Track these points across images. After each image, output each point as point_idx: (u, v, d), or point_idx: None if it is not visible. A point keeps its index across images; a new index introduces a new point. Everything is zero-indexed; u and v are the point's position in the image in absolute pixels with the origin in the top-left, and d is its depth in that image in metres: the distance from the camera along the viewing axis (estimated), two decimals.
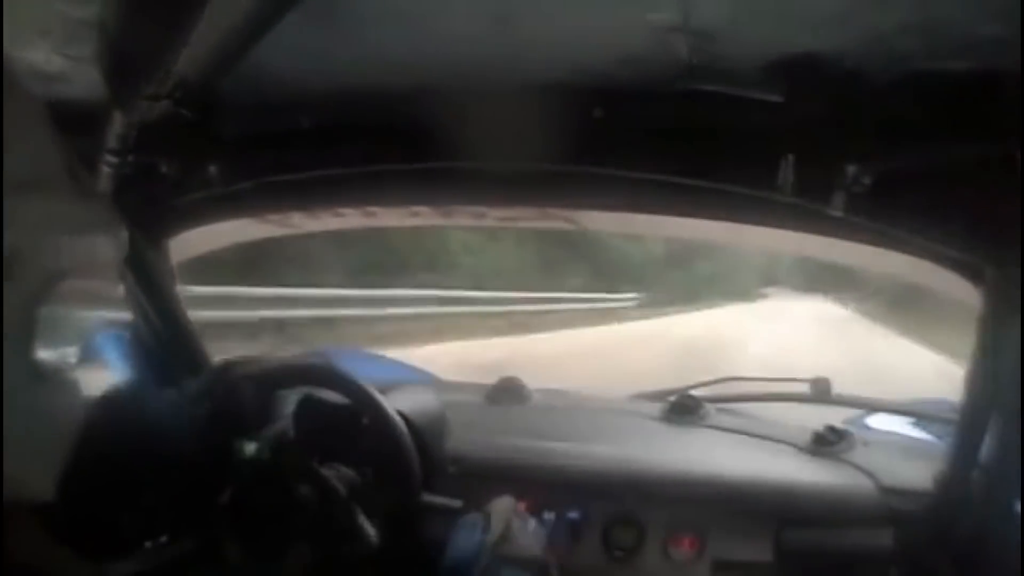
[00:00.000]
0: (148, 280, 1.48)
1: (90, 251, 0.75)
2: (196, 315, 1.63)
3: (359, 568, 1.27)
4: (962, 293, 1.19)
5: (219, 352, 1.66)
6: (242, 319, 6.34)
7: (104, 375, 1.54)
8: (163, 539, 1.23)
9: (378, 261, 10.08)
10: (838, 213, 1.10)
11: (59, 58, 0.97)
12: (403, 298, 9.78)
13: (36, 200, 0.64)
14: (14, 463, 0.61)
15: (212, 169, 1.33)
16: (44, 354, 0.67)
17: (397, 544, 1.27)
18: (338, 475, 1.24)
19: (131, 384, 1.53)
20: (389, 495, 1.28)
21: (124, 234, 0.83)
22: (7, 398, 0.61)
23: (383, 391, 1.40)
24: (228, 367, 1.36)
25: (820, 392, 1.70)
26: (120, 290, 0.88)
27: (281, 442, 1.29)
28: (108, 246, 0.79)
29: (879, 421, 1.82)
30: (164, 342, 1.54)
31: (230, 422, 1.29)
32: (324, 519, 1.21)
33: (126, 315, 1.55)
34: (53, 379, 0.68)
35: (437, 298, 10.46)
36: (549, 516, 1.39)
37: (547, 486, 1.42)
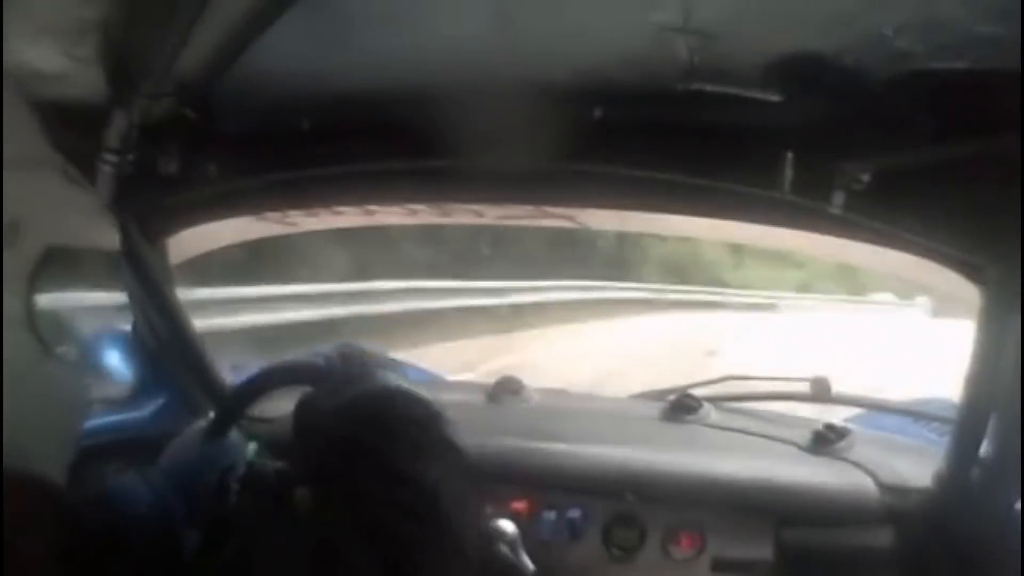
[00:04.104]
0: (147, 279, 1.48)
1: (83, 233, 0.78)
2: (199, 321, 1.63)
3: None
4: (962, 292, 1.19)
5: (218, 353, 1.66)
6: (238, 324, 6.19)
7: (104, 374, 1.55)
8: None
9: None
10: (838, 211, 1.10)
11: (59, 58, 0.98)
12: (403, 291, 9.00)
13: (30, 176, 0.66)
14: (16, 431, 0.62)
15: (212, 168, 1.32)
16: (48, 327, 0.70)
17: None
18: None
19: (139, 388, 1.54)
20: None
21: (116, 224, 0.85)
22: (8, 366, 0.62)
23: None
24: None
25: (820, 391, 1.70)
26: (114, 276, 0.93)
27: (280, 443, 1.29)
28: (100, 232, 0.82)
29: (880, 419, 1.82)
30: (163, 341, 1.54)
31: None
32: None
33: (125, 314, 1.55)
34: (55, 353, 0.70)
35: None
36: (549, 515, 1.39)
37: (547, 485, 1.42)
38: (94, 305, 2.61)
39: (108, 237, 0.84)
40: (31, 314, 0.68)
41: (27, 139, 0.69)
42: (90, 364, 1.50)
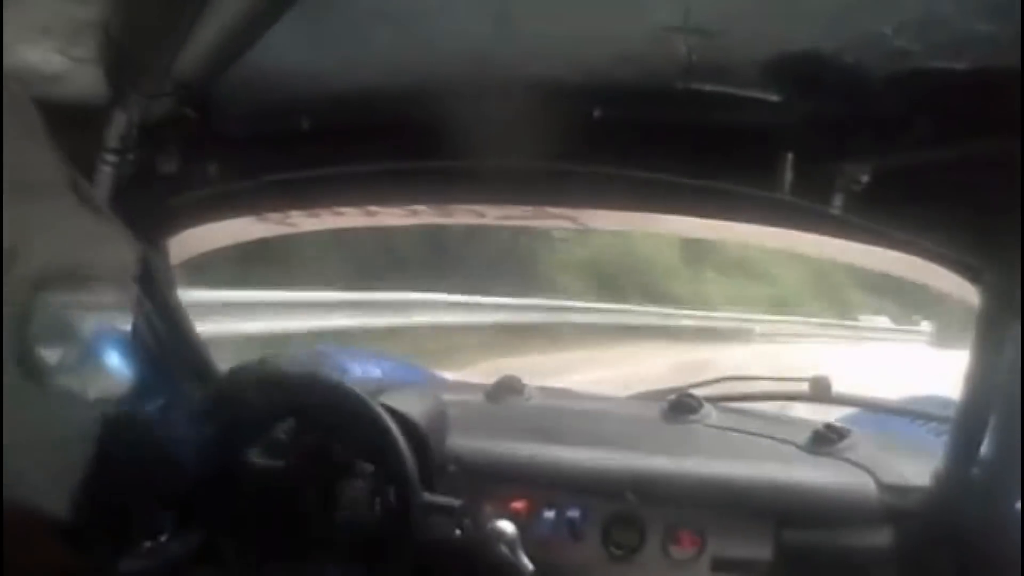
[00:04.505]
0: (147, 279, 1.48)
1: (92, 259, 0.74)
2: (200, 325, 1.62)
3: (362, 569, 1.27)
4: (962, 292, 1.19)
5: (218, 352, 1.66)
6: (241, 331, 6.03)
7: (104, 375, 1.55)
8: (163, 538, 1.24)
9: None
10: (837, 212, 1.10)
11: (59, 58, 0.97)
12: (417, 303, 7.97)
13: (31, 202, 0.63)
14: (11, 464, 0.60)
15: (212, 168, 1.32)
16: (44, 355, 0.66)
17: (396, 543, 1.27)
18: (337, 476, 1.24)
19: (139, 389, 1.54)
20: (388, 495, 1.28)
21: (134, 249, 0.81)
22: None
23: (383, 390, 1.41)
24: (229, 377, 1.36)
25: (820, 391, 1.70)
26: (125, 302, 0.85)
27: (282, 444, 1.29)
28: (113, 257, 0.78)
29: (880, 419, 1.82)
30: (163, 341, 1.54)
31: (234, 428, 1.29)
32: (327, 520, 1.22)
33: (126, 314, 1.55)
34: (53, 380, 0.67)
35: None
36: (549, 514, 1.39)
37: (547, 485, 1.42)
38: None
39: (120, 262, 0.80)
40: (25, 344, 0.64)
41: (35, 162, 0.67)
42: (90, 364, 1.50)
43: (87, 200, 0.72)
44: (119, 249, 0.79)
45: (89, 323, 0.76)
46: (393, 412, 1.34)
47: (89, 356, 0.78)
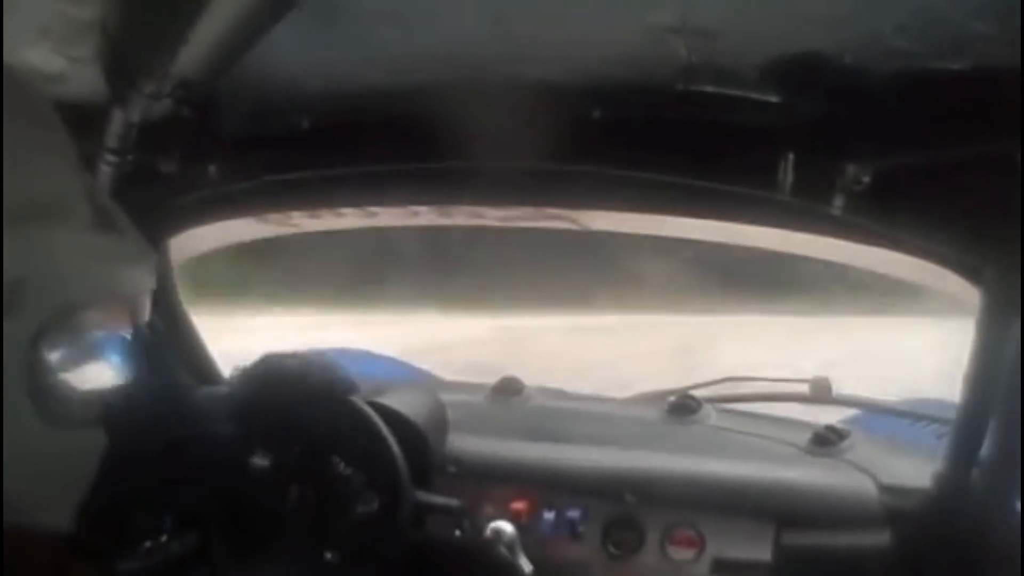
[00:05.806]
0: None
1: (109, 283, 0.70)
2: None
3: (355, 568, 1.27)
4: (962, 293, 1.19)
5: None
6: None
7: (104, 375, 1.54)
8: (162, 538, 1.24)
9: None
10: (837, 213, 1.10)
11: (59, 58, 0.97)
12: None
13: (45, 229, 0.59)
14: (23, 503, 0.59)
15: (212, 168, 1.33)
16: (55, 384, 0.64)
17: (392, 543, 1.27)
18: (333, 475, 1.24)
19: (140, 390, 1.53)
20: (382, 495, 1.28)
21: (152, 266, 0.78)
22: (11, 440, 0.58)
23: (383, 390, 1.40)
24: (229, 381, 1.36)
25: (820, 392, 1.70)
26: (143, 322, 0.81)
27: (278, 444, 1.29)
28: (132, 279, 0.74)
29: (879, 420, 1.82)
30: (165, 341, 1.54)
31: (232, 430, 1.29)
32: (320, 519, 1.22)
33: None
34: (66, 419, 0.65)
35: None
36: (549, 515, 1.39)
37: (547, 486, 1.42)
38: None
39: (138, 284, 0.77)
40: (34, 381, 0.61)
41: (51, 185, 0.63)
42: (90, 365, 1.50)
43: (107, 219, 0.68)
44: (137, 269, 0.75)
45: (97, 337, 0.73)
46: (392, 413, 1.34)
47: (90, 358, 0.77)
